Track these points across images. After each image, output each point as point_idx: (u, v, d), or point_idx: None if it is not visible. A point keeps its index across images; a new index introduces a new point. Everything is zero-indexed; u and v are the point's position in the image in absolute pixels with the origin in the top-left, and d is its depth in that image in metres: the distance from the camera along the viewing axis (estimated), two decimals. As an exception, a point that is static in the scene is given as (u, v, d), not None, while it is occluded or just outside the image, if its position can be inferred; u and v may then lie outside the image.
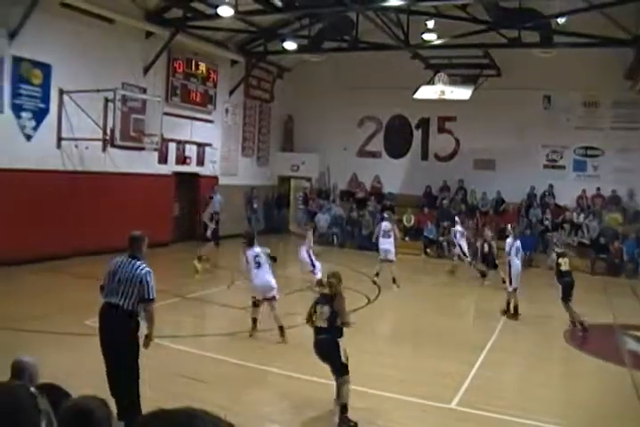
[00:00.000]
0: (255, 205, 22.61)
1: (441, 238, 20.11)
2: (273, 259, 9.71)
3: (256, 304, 9.52)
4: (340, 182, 23.97)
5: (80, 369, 6.85)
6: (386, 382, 7.53)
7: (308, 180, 24.43)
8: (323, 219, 21.97)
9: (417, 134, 23.41)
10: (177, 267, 15.42)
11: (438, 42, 17.43)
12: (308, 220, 22.13)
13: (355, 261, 17.38)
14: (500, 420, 6.58)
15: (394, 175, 23.28)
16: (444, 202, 21.50)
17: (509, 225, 13.33)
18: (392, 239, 14.53)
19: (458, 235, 16.68)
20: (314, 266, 12.97)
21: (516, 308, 11.72)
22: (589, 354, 9.46)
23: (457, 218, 17.68)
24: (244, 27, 19.06)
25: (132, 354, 5.80)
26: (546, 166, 21.46)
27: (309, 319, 6.65)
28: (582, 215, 19.85)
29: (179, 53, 18.68)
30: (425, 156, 23.36)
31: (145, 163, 17.38)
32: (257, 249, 9.55)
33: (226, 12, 15.32)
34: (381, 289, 13.73)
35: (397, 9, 15.96)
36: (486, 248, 14.79)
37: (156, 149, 16.90)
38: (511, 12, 16.00)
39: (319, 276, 12.33)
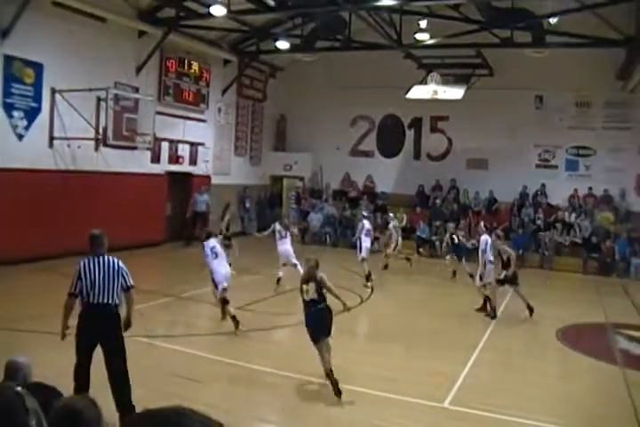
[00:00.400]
0: (248, 205, 22.60)
1: (434, 238, 20.15)
2: (228, 238, 10.14)
3: (226, 301, 9.82)
4: (332, 182, 23.97)
5: (72, 369, 6.83)
6: (378, 381, 7.54)
7: (301, 179, 24.42)
8: (315, 218, 21.97)
9: (409, 134, 23.44)
10: (170, 266, 15.42)
11: (431, 41, 17.45)
12: (300, 219, 22.15)
13: (347, 261, 17.35)
14: (493, 419, 6.60)
15: (386, 175, 23.30)
16: (437, 201, 21.55)
17: (482, 223, 13.46)
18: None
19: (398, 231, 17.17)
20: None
21: (485, 301, 11.90)
22: (582, 353, 9.49)
23: (390, 214, 18.03)
24: (237, 26, 19.05)
25: (123, 348, 6.06)
26: (538, 166, 21.52)
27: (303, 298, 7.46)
28: (574, 215, 19.93)
29: (171, 53, 18.63)
30: (417, 155, 23.39)
31: (137, 162, 17.33)
32: (212, 241, 10.14)
33: (218, 11, 15.30)
34: (374, 288, 13.74)
35: (390, 8, 15.97)
36: (456, 240, 14.98)
37: (148, 149, 16.87)
38: (503, 11, 16.03)
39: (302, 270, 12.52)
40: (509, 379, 8.11)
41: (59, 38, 14.65)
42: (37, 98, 14.47)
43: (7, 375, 3.84)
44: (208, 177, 20.76)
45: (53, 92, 14.70)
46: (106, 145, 15.07)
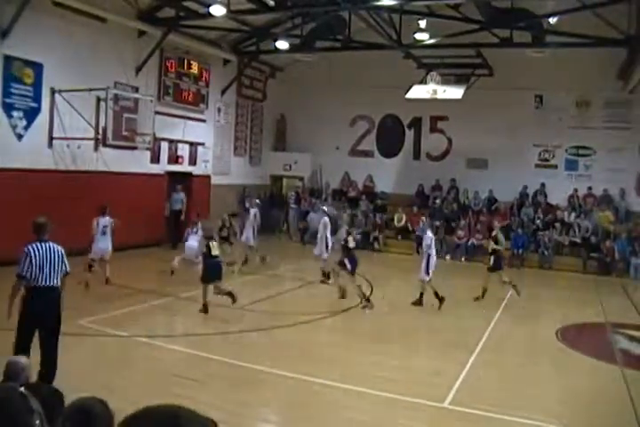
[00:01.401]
0: (247, 205, 22.53)
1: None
2: (112, 232, 11.87)
3: (90, 268, 11.55)
4: (332, 182, 23.97)
5: (72, 369, 6.83)
6: (377, 381, 7.53)
7: (301, 179, 24.42)
8: (315, 218, 21.92)
9: (409, 134, 23.45)
10: (169, 266, 15.38)
11: (431, 41, 17.42)
12: (300, 219, 22.15)
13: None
14: (493, 418, 6.59)
15: (386, 174, 23.30)
16: (437, 201, 21.54)
17: (423, 218, 13.58)
18: None
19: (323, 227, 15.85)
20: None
21: (436, 293, 12.02)
22: (582, 353, 9.49)
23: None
24: (237, 26, 19.02)
25: (60, 329, 6.49)
26: (538, 166, 21.52)
27: (208, 253, 10.66)
28: (573, 214, 19.93)
29: (171, 52, 18.62)
30: (417, 155, 23.40)
31: (137, 162, 17.32)
32: (107, 219, 11.71)
33: (218, 11, 15.27)
34: (374, 288, 13.73)
35: (390, 8, 15.94)
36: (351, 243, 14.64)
37: (148, 149, 16.85)
38: (503, 11, 16.01)
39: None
40: (509, 379, 8.11)
41: (59, 38, 14.64)
42: (37, 98, 14.45)
43: (8, 376, 3.83)
44: (208, 177, 20.76)
45: (53, 92, 14.68)
46: (105, 145, 15.06)
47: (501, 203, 21.16)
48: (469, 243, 19.64)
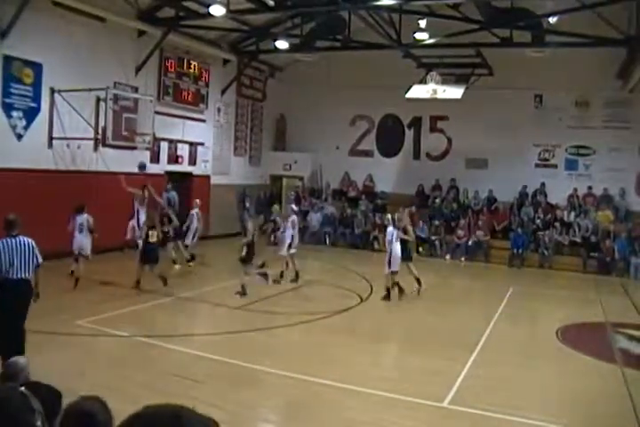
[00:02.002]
0: (247, 204, 22.57)
1: (433, 237, 20.14)
2: (90, 231, 12.32)
3: (76, 260, 12.14)
4: (332, 181, 23.96)
5: (72, 369, 6.84)
6: (377, 380, 7.53)
7: (301, 179, 24.41)
8: (315, 218, 21.95)
9: (409, 133, 23.46)
10: (168, 266, 15.38)
11: (430, 41, 17.42)
12: (299, 218, 22.10)
13: (347, 260, 17.40)
14: (493, 418, 6.59)
15: (386, 174, 23.31)
16: (437, 201, 21.54)
17: (389, 215, 13.72)
18: None
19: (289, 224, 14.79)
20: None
21: (397, 284, 12.58)
22: (581, 352, 9.49)
23: (293, 206, 16.22)
24: (237, 26, 19.03)
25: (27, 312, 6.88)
26: (537, 165, 21.53)
27: (146, 239, 12.28)
28: (573, 214, 19.94)
29: (171, 52, 18.62)
30: (417, 155, 23.40)
31: (137, 162, 17.28)
32: (84, 216, 12.20)
33: (218, 11, 15.27)
34: (373, 288, 13.73)
35: (389, 8, 15.95)
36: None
37: (148, 149, 16.85)
38: (503, 11, 16.02)
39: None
40: (509, 378, 8.10)
41: (58, 38, 14.64)
42: (37, 98, 14.45)
43: (8, 376, 3.83)
44: (208, 177, 20.75)
45: (53, 92, 14.68)
46: (105, 145, 15.06)
47: (501, 202, 21.16)
48: (469, 242, 19.64)
